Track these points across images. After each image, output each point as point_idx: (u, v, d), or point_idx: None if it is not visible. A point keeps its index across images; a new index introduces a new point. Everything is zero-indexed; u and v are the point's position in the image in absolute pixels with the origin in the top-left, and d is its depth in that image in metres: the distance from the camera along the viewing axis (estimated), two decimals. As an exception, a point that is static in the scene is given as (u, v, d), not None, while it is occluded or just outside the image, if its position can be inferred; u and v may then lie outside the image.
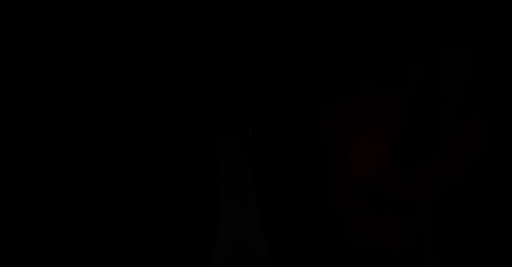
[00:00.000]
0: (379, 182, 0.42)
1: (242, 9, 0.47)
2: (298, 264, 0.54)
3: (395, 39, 0.39)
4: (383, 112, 0.40)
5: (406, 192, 0.42)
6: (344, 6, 0.40)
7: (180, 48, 0.56)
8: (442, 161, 0.39)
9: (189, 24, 0.55)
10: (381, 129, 0.40)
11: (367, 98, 0.40)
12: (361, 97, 0.40)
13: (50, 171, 0.52)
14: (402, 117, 0.40)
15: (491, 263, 0.58)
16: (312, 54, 0.42)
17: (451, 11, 0.39)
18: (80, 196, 0.51)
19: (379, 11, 0.39)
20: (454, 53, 0.39)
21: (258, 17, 0.45)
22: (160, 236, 0.51)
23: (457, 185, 0.42)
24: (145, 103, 0.55)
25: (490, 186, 0.58)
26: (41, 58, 0.58)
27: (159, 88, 0.56)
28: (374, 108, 0.40)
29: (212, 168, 0.52)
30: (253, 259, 0.52)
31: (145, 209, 0.51)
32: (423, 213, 0.45)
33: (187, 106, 0.54)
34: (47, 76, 0.58)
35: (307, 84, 0.42)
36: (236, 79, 0.49)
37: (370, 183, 0.42)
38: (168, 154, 0.52)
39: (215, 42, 0.52)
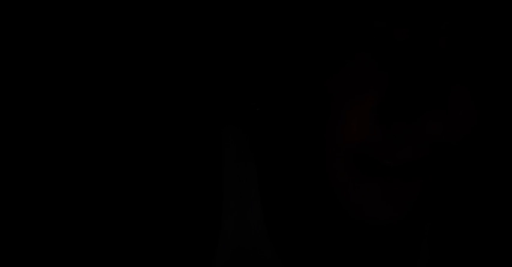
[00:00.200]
0: (365, 143, 0.44)
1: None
2: (299, 254, 0.55)
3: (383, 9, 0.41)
4: (371, 79, 0.43)
5: (390, 152, 0.44)
6: None
7: (182, 36, 0.57)
8: (424, 124, 0.42)
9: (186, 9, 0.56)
10: (368, 94, 0.43)
11: (358, 68, 0.43)
12: (353, 68, 0.43)
13: (53, 171, 0.52)
14: (387, 82, 0.43)
15: (489, 258, 0.58)
16: (312, 31, 0.45)
17: None
18: (83, 192, 0.51)
19: None
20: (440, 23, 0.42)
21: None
22: (164, 230, 0.52)
23: (446, 155, 0.45)
24: (149, 96, 0.56)
25: (487, 181, 0.59)
26: (41, 58, 0.59)
27: (162, 81, 0.57)
28: (364, 75, 0.43)
29: (217, 158, 0.53)
30: (256, 248, 0.54)
31: (150, 202, 0.52)
32: (416, 187, 0.46)
33: (191, 99, 0.55)
34: (47, 76, 0.59)
35: (308, 59, 0.45)
36: (239, 60, 0.51)
37: (358, 145, 0.44)
38: (173, 146, 0.53)
39: (217, 29, 0.54)
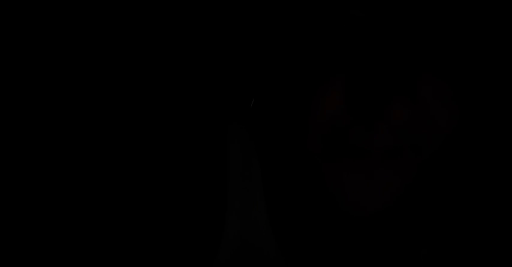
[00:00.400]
0: (338, 126, 0.46)
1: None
2: (304, 252, 0.55)
3: None
4: (340, 63, 0.45)
5: (365, 137, 0.45)
6: None
7: (192, 36, 0.58)
8: (390, 111, 0.43)
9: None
10: (341, 82, 0.45)
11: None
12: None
13: (56, 170, 0.53)
14: (354, 68, 0.45)
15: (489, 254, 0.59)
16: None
17: None
18: (85, 192, 0.51)
19: None
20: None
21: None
22: (169, 228, 0.52)
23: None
24: (155, 96, 0.56)
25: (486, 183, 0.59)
26: (41, 59, 0.59)
27: (167, 79, 0.57)
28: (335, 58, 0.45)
29: (222, 156, 0.54)
30: (261, 246, 0.54)
31: (155, 200, 0.52)
32: (400, 176, 0.47)
33: (196, 97, 0.56)
34: (49, 76, 0.59)
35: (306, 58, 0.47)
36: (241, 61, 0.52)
37: (333, 128, 0.46)
38: (178, 144, 0.53)
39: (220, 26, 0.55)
